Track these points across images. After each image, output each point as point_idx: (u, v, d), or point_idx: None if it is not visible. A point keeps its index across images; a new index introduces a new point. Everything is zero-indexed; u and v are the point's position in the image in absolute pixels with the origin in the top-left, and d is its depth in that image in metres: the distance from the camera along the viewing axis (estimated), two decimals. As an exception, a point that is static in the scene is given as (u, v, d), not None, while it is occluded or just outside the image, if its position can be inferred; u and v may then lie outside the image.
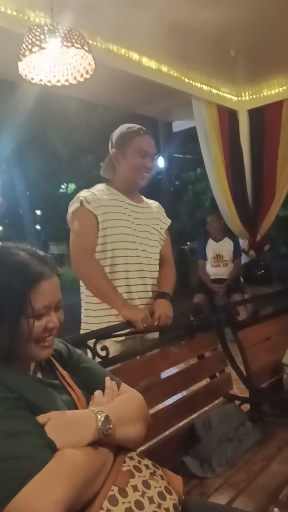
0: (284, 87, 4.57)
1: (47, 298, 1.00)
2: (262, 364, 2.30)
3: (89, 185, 2.10)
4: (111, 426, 0.97)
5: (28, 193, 16.44)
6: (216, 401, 2.10)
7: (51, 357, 1.10)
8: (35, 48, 2.27)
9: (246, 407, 2.18)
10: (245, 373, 2.22)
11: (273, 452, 1.77)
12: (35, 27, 2.33)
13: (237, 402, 2.15)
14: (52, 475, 0.84)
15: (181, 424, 1.85)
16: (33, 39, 2.27)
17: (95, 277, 1.91)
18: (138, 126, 2.06)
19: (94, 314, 1.97)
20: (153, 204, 2.22)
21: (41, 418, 0.92)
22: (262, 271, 5.13)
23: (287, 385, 2.26)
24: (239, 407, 2.11)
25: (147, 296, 2.03)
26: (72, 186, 18.15)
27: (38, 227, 19.55)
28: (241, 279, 5.15)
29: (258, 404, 2.16)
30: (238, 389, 2.40)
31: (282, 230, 9.40)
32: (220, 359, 2.19)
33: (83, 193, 1.98)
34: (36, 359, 1.05)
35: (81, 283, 2.03)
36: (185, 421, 1.86)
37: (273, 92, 4.65)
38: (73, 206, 1.97)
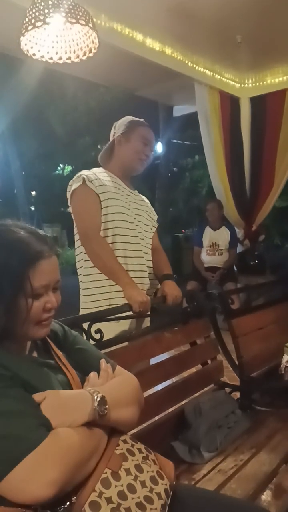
0: (288, 76, 4.52)
1: (46, 278, 0.98)
2: (253, 353, 2.31)
3: (85, 167, 2.11)
4: (107, 407, 0.97)
5: (23, 173, 16.26)
6: (207, 388, 2.11)
7: (46, 337, 1.09)
8: (39, 23, 2.21)
9: (236, 395, 2.20)
10: (236, 361, 2.23)
11: (262, 440, 1.79)
12: (39, 0, 2.26)
13: (227, 389, 2.17)
14: (45, 455, 0.84)
15: (171, 409, 1.86)
16: (37, 13, 2.20)
17: (104, 254, 1.93)
18: (139, 119, 2.16)
19: (91, 299, 1.98)
20: (143, 197, 2.28)
21: (36, 397, 0.91)
22: (256, 261, 5.15)
23: (285, 368, 2.27)
24: (229, 394, 2.13)
25: (143, 276, 2.04)
26: (68, 168, 17.99)
27: (32, 208, 19.40)
28: (235, 268, 5.16)
29: (248, 392, 2.18)
30: (229, 377, 2.41)
31: (277, 220, 9.41)
32: (213, 347, 2.19)
33: (85, 172, 2.00)
34: (32, 338, 1.04)
35: (78, 265, 2.03)
36: (175, 406, 1.87)
37: (277, 80, 4.61)
38: (74, 184, 1.97)
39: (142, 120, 2.15)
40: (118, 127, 2.12)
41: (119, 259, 1.96)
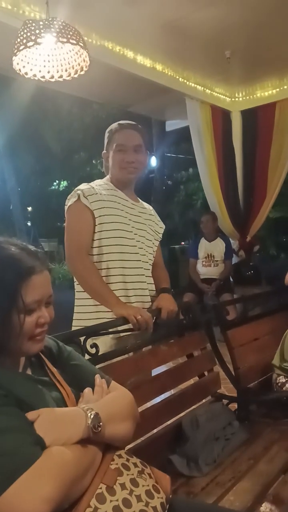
0: (278, 89, 4.61)
1: (38, 293, 0.99)
2: (250, 364, 2.31)
3: (81, 183, 2.07)
4: (101, 423, 0.97)
5: (19, 189, 16.31)
6: (204, 400, 2.10)
7: (40, 354, 1.10)
8: (30, 43, 2.26)
9: (233, 406, 2.19)
10: (233, 373, 2.23)
11: (260, 451, 1.78)
12: (31, 21, 2.32)
13: (224, 401, 2.16)
14: (40, 472, 0.84)
15: (169, 422, 1.85)
16: (28, 34, 2.26)
17: (89, 276, 1.90)
18: (121, 122, 2.06)
19: (85, 310, 1.95)
20: (148, 206, 2.23)
21: (30, 415, 0.92)
22: (252, 271, 5.17)
23: (277, 385, 2.28)
24: (226, 406, 2.12)
25: (144, 294, 2.01)
26: (64, 183, 18.06)
27: (28, 223, 19.42)
28: (231, 279, 5.17)
29: (245, 404, 2.17)
30: (226, 388, 2.41)
31: (272, 231, 9.46)
32: (209, 358, 2.19)
33: (82, 186, 1.96)
34: (26, 353, 1.04)
35: (75, 279, 2.02)
36: (173, 419, 1.86)
37: (266, 93, 4.69)
38: (70, 200, 1.95)
39: (117, 124, 2.04)
40: (104, 141, 2.08)
41: (116, 277, 1.93)
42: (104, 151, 2.07)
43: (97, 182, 2.04)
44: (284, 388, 2.24)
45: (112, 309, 1.84)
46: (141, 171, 2.07)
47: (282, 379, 2.26)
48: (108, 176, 2.09)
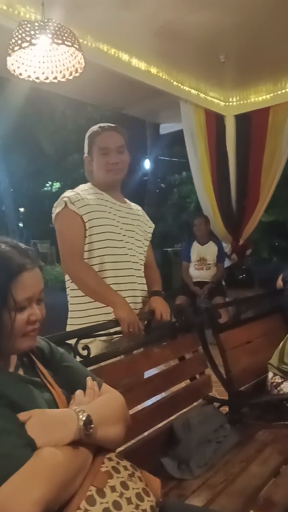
0: (272, 94, 4.64)
1: (29, 290, 0.99)
2: (242, 367, 2.32)
3: (74, 184, 2.08)
4: (93, 425, 0.97)
5: (12, 190, 16.27)
6: (196, 403, 2.10)
7: (32, 355, 1.09)
8: (25, 44, 2.26)
9: (225, 409, 2.19)
10: (225, 376, 2.23)
11: (252, 454, 1.78)
12: (26, 22, 2.31)
13: (216, 404, 2.16)
14: (30, 474, 0.83)
15: (160, 425, 1.84)
16: (23, 35, 2.25)
17: (87, 278, 1.89)
18: (101, 124, 2.05)
19: (79, 315, 1.94)
20: (135, 206, 2.22)
21: (22, 416, 0.91)
22: (244, 275, 5.19)
23: (271, 385, 2.29)
24: (218, 409, 2.12)
25: (135, 295, 2.01)
26: (56, 185, 18.03)
27: (21, 224, 19.35)
28: (223, 283, 5.19)
29: (237, 407, 2.18)
30: (218, 391, 2.41)
31: (265, 235, 9.50)
32: (201, 361, 2.19)
33: (67, 194, 1.96)
34: (18, 351, 1.03)
35: (67, 282, 2.01)
36: (164, 422, 1.86)
37: (260, 98, 4.71)
38: (57, 208, 1.94)
39: (98, 126, 2.04)
40: (84, 146, 2.07)
41: (110, 279, 1.92)
42: (86, 155, 2.06)
43: (81, 187, 2.04)
44: (278, 388, 2.25)
45: (113, 308, 1.84)
46: (126, 171, 2.07)
47: (278, 379, 2.27)
48: (90, 181, 2.08)
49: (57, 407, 1.02)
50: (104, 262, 1.93)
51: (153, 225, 2.24)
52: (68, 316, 2.01)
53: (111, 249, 1.95)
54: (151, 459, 1.66)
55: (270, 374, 2.32)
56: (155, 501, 1.01)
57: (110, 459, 1.02)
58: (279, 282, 3.04)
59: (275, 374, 2.30)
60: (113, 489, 0.94)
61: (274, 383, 2.27)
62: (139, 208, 2.24)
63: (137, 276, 2.03)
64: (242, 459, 1.75)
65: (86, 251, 1.93)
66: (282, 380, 2.26)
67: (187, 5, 3.07)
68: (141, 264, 2.08)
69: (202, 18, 3.21)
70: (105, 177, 2.02)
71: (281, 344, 2.36)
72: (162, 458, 1.71)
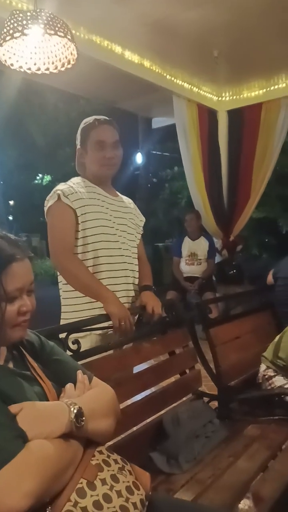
0: (264, 90, 4.64)
1: (19, 280, 0.98)
2: (231, 362, 2.33)
3: (65, 178, 2.06)
4: (84, 418, 0.97)
5: (1, 182, 16.13)
6: (185, 398, 2.11)
7: (22, 348, 1.08)
8: (17, 34, 2.23)
9: (214, 404, 2.20)
10: (214, 371, 2.24)
11: (240, 449, 1.79)
12: (18, 12, 2.28)
13: (205, 399, 2.17)
14: (21, 467, 0.83)
15: (149, 419, 1.85)
16: (15, 24, 2.22)
17: (78, 272, 1.87)
18: (96, 117, 2.03)
19: (73, 309, 1.93)
20: (127, 200, 2.22)
21: (13, 408, 0.91)
22: (234, 271, 5.21)
23: (263, 377, 2.30)
24: (207, 404, 2.13)
25: (128, 289, 2.01)
26: (47, 178, 17.90)
27: (10, 218, 19.20)
28: (214, 278, 5.20)
29: (226, 402, 2.19)
30: (207, 386, 2.42)
31: (255, 231, 9.53)
32: (191, 356, 2.20)
33: (60, 187, 1.94)
34: (9, 341, 1.03)
35: (59, 277, 1.99)
36: (154, 416, 1.86)
37: (253, 94, 4.71)
38: (50, 201, 1.92)
39: (93, 119, 2.01)
40: (77, 138, 2.05)
41: (104, 273, 1.92)
42: (79, 147, 2.03)
43: (74, 180, 2.02)
44: (270, 381, 2.26)
45: (103, 303, 1.82)
46: (119, 166, 2.07)
47: (270, 373, 2.28)
48: (81, 174, 2.07)
49: (47, 400, 1.01)
50: (99, 256, 1.92)
51: (144, 219, 2.24)
52: (61, 311, 2.00)
53: (105, 243, 1.94)
54: (140, 454, 1.67)
55: (263, 367, 2.33)
56: (144, 495, 1.01)
57: (100, 452, 1.02)
58: (269, 278, 3.06)
59: (268, 367, 2.31)
60: (103, 482, 0.95)
61: (266, 376, 2.28)
62: (131, 201, 2.24)
63: (130, 270, 2.03)
64: (230, 454, 1.76)
65: (80, 245, 1.91)
66: (275, 374, 2.27)
67: (182, 3, 3.06)
68: (134, 258, 2.07)
69: (196, 15, 3.20)
70: (99, 171, 2.01)
71: (276, 338, 2.36)
72: (151, 453, 1.71)
